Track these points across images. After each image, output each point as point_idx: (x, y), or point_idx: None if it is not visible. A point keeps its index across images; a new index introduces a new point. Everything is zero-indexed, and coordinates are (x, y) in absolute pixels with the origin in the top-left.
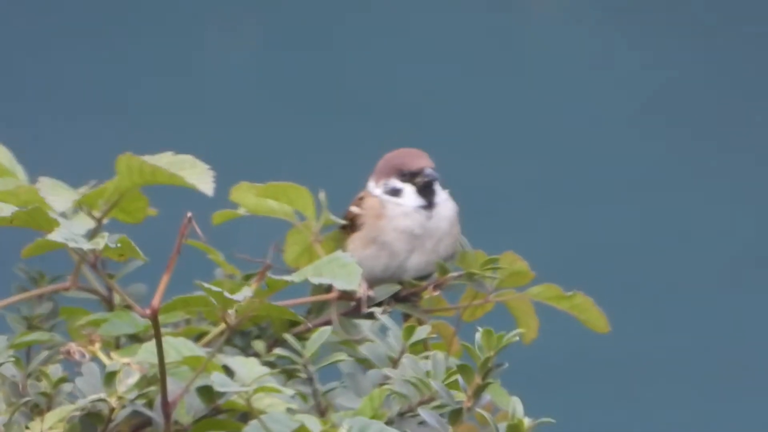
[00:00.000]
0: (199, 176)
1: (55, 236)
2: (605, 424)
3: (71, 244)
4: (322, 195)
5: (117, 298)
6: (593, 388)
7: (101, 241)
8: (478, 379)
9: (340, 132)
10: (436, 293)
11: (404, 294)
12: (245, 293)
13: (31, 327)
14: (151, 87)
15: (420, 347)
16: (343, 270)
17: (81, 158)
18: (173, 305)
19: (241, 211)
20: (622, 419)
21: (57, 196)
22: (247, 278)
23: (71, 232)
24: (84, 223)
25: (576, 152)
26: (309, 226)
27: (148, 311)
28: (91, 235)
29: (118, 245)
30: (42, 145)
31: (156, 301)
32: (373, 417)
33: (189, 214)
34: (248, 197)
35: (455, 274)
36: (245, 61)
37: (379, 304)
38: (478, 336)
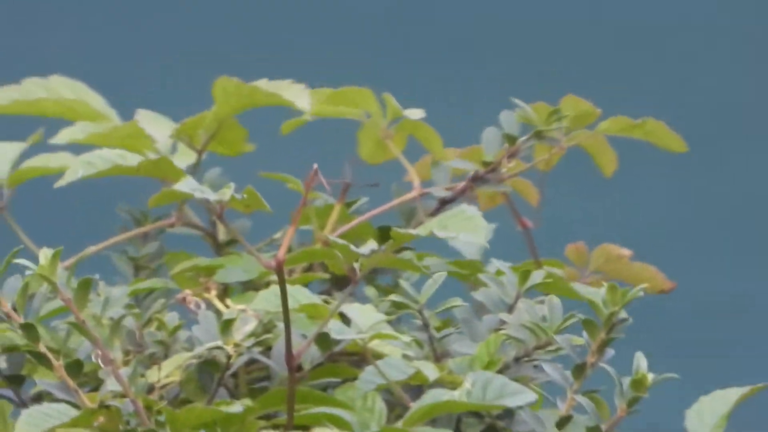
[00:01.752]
0: (297, 93)
1: (182, 186)
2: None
3: (197, 195)
4: (385, 94)
5: (221, 234)
6: (717, 341)
7: (228, 192)
8: (602, 334)
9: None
10: (511, 164)
11: (481, 174)
12: (371, 246)
13: (138, 267)
14: (253, 28)
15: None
16: (470, 223)
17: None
18: (298, 257)
19: (307, 117)
20: (747, 378)
21: (156, 127)
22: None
23: (196, 182)
24: (185, 156)
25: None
26: (376, 122)
27: (273, 263)
28: (192, 168)
29: (244, 196)
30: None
31: (281, 254)
32: (490, 362)
33: (315, 166)
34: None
35: (523, 138)
36: None
37: None
38: (602, 291)
